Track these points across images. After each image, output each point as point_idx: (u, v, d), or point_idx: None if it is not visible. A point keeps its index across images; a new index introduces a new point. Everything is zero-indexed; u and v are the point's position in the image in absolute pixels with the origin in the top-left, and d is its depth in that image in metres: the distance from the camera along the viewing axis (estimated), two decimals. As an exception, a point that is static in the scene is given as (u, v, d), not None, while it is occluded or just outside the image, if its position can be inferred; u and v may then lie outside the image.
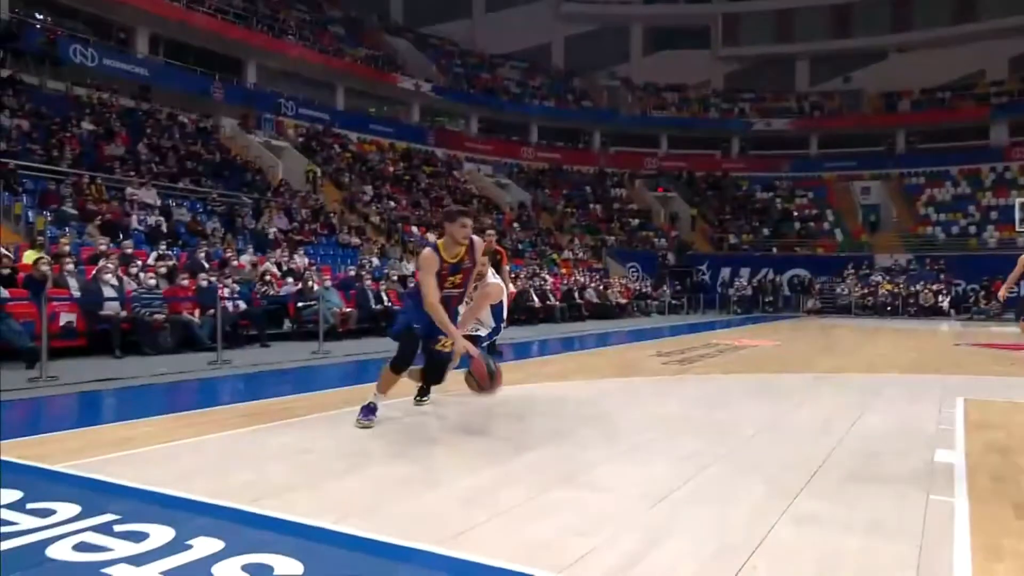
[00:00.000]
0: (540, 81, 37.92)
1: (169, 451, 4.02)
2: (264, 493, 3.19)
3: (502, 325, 5.88)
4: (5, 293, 8.49)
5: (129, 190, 15.23)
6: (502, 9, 39.25)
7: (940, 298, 25.64)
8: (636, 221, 33.61)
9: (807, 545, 2.69)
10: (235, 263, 12.89)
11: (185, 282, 10.77)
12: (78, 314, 9.05)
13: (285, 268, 13.81)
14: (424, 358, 4.92)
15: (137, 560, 2.40)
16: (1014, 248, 22.97)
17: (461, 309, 5.16)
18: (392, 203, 24.35)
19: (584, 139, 37.99)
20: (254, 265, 13.28)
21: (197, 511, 2.91)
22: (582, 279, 22.68)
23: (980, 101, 35.11)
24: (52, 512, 2.84)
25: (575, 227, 31.46)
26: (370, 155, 28.15)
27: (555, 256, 26.51)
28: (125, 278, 10.08)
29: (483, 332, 5.73)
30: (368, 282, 13.61)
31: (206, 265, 11.91)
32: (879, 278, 28.29)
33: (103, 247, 11.29)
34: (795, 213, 34.61)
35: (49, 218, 12.66)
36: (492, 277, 5.65)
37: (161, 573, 2.31)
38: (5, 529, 2.65)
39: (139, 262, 11.18)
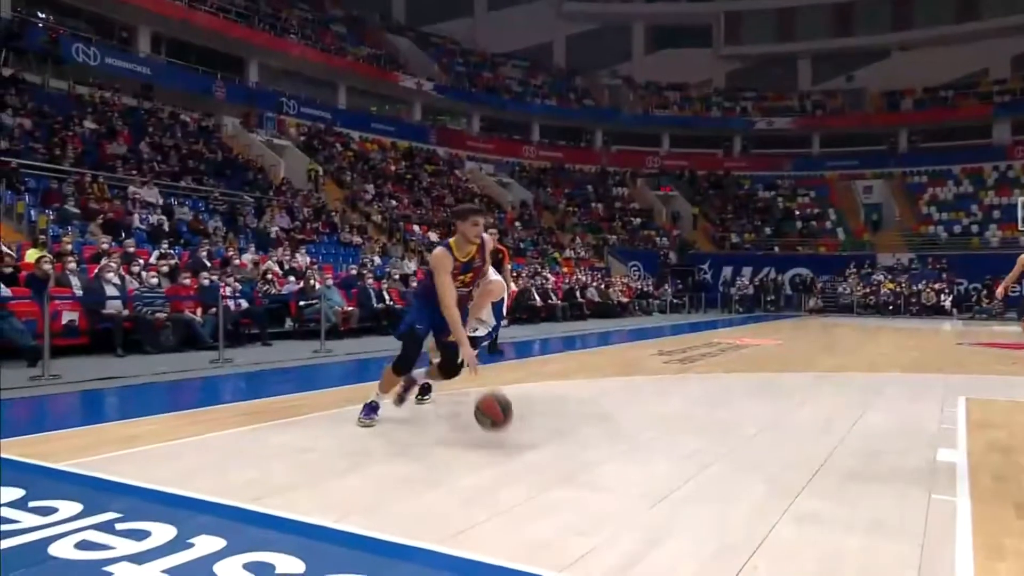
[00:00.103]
0: (542, 80, 37.90)
1: (171, 449, 4.03)
2: (266, 492, 3.19)
3: (502, 323, 5.87)
4: (7, 292, 8.50)
5: (131, 189, 15.24)
6: (504, 8, 39.26)
7: (942, 297, 25.61)
8: (638, 220, 33.60)
9: (808, 544, 2.69)
10: (237, 262, 12.90)
11: (187, 281, 10.78)
12: (80, 313, 9.05)
13: (287, 267, 13.82)
14: (440, 352, 4.87)
15: (139, 558, 2.40)
16: (1016, 247, 22.92)
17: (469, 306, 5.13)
18: (394, 202, 24.36)
19: (586, 138, 37.98)
20: (256, 264, 13.29)
21: (199, 509, 2.92)
22: (584, 278, 22.67)
23: (983, 100, 35.06)
24: (54, 510, 2.85)
25: (577, 226, 31.45)
26: (372, 154, 28.16)
27: (557, 255, 26.50)
28: (127, 277, 10.10)
29: (482, 332, 5.72)
30: (370, 281, 13.61)
31: (208, 264, 11.92)
32: (881, 277, 28.27)
33: (105, 246, 11.31)
34: (797, 212, 34.59)
35: (51, 217, 12.68)
36: (492, 274, 5.64)
37: (163, 571, 2.31)
38: (7, 527, 2.65)
39: (141, 261, 11.19)
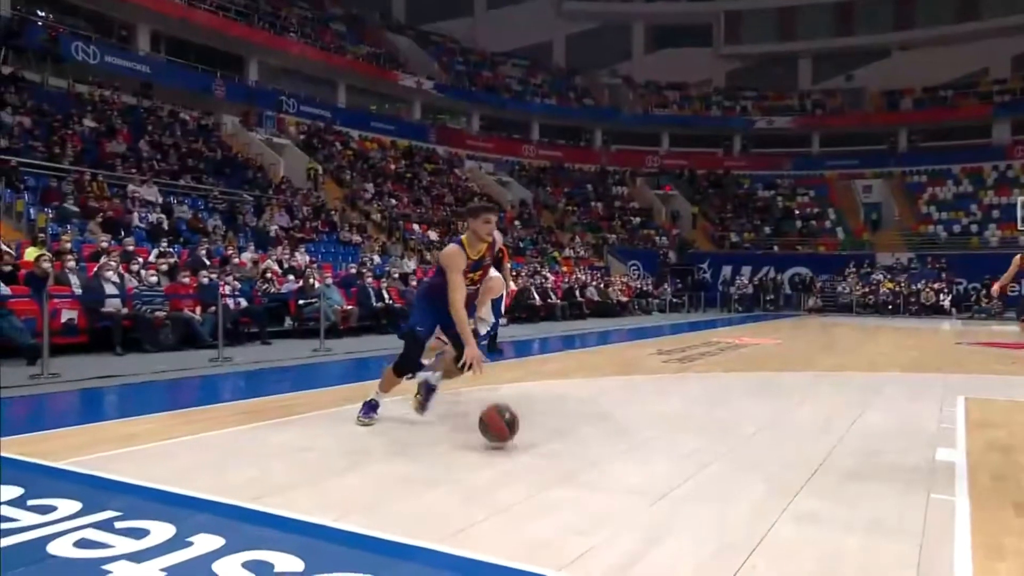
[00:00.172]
0: (542, 79, 37.89)
1: (169, 448, 4.02)
2: (265, 490, 3.19)
3: (500, 321, 5.88)
4: (7, 290, 8.50)
5: (131, 187, 15.24)
6: (504, 7, 39.24)
7: (941, 297, 25.62)
8: (637, 219, 33.59)
9: (807, 544, 2.69)
10: (236, 260, 12.90)
11: (186, 279, 10.78)
12: (79, 311, 9.05)
13: (286, 266, 13.82)
14: (452, 346, 4.77)
15: (138, 557, 2.40)
16: (1016, 247, 22.93)
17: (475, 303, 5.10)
18: (393, 201, 24.35)
19: (585, 137, 37.97)
20: (255, 262, 13.29)
21: (198, 508, 2.92)
22: (583, 277, 22.68)
23: (982, 99, 35.05)
24: (53, 509, 2.84)
25: (576, 225, 31.45)
26: (371, 153, 28.15)
27: (556, 254, 26.50)
28: (126, 275, 10.10)
29: (482, 330, 5.73)
30: (369, 280, 13.61)
31: (207, 262, 11.92)
32: (880, 276, 28.27)
33: (104, 244, 11.30)
34: (797, 211, 34.59)
35: (51, 215, 12.67)
36: (491, 271, 5.64)
37: (162, 570, 2.31)
38: (6, 526, 2.65)
39: (140, 259, 11.20)
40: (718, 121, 37.88)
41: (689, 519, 2.95)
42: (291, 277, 13.08)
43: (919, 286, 26.45)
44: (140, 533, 2.60)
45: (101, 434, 4.40)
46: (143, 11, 22.94)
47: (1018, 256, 9.03)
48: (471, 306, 4.76)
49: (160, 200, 15.51)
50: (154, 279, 10.58)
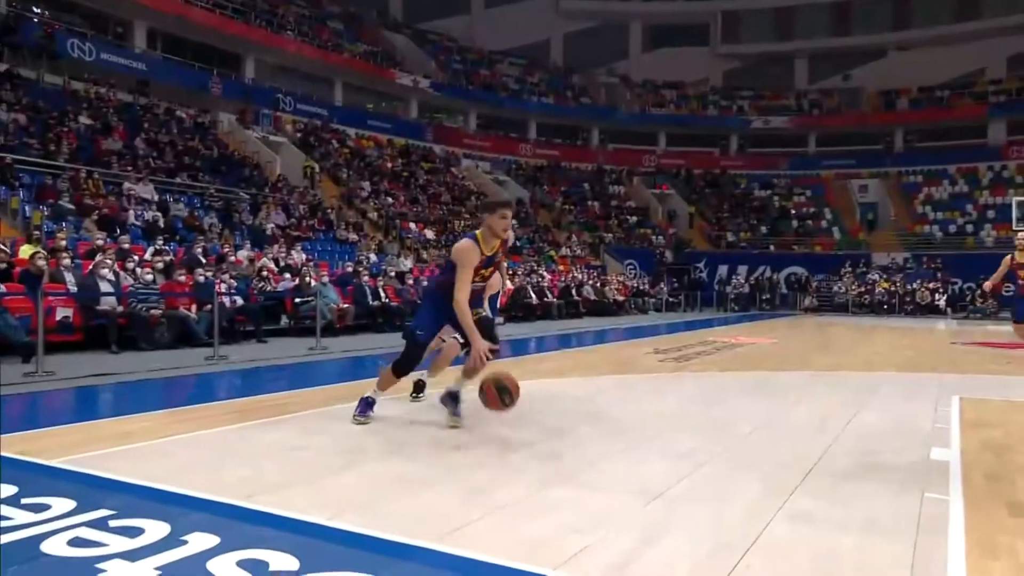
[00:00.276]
0: (539, 78, 37.89)
1: (165, 447, 4.02)
2: (260, 489, 3.19)
3: (497, 319, 5.86)
4: (1, 288, 8.49)
5: (126, 185, 15.20)
6: (501, 5, 39.23)
7: (937, 296, 25.69)
8: (634, 218, 33.63)
9: (802, 543, 2.69)
10: (232, 259, 12.88)
11: (182, 277, 10.77)
12: (74, 309, 9.04)
13: (282, 264, 13.81)
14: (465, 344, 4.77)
15: (132, 555, 2.39)
16: (1011, 247, 22.94)
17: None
18: (390, 199, 24.33)
19: (583, 136, 37.98)
20: (251, 261, 13.28)
21: (193, 507, 2.91)
22: (580, 276, 22.70)
23: (978, 100, 35.16)
24: (47, 507, 2.83)
25: (573, 224, 31.46)
26: (368, 151, 28.12)
27: (553, 253, 26.51)
28: (122, 273, 10.08)
29: None
30: (366, 278, 13.61)
31: (203, 260, 11.90)
32: (876, 276, 28.35)
33: (100, 242, 11.28)
34: (793, 211, 34.66)
35: (46, 212, 12.63)
36: None
37: (156, 568, 2.31)
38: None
39: (136, 257, 11.18)
40: (715, 120, 37.93)
41: (685, 518, 2.95)
42: (287, 275, 13.07)
43: (915, 286, 26.52)
44: (134, 532, 2.59)
45: (96, 432, 4.39)
46: (139, 8, 22.88)
47: (1008, 256, 9.10)
48: (477, 299, 4.66)
49: (156, 198, 15.47)
50: (150, 277, 10.55)
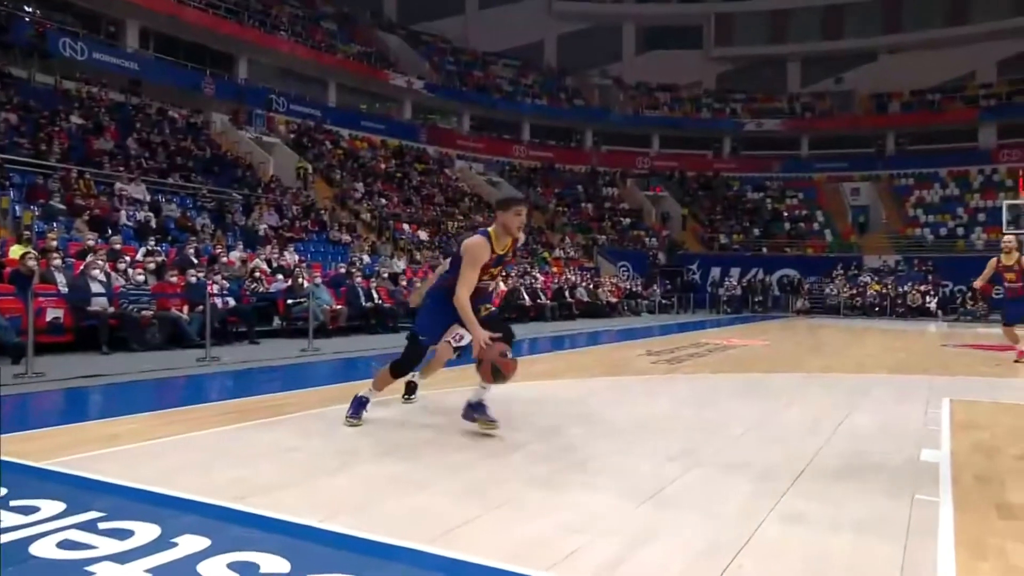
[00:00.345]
0: (532, 79, 37.93)
1: (156, 448, 4.00)
2: (252, 491, 3.18)
3: None
4: (-9, 288, 8.42)
5: (118, 185, 15.13)
6: (495, 6, 39.24)
7: (928, 299, 25.82)
8: (627, 220, 33.69)
9: (794, 544, 2.70)
10: (225, 259, 12.84)
11: (174, 278, 10.71)
12: (65, 310, 8.98)
13: (275, 265, 13.77)
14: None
15: (121, 558, 2.38)
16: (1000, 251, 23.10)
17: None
18: (383, 200, 24.31)
19: (576, 138, 38.04)
20: (244, 262, 13.23)
21: (183, 509, 2.90)
22: (573, 278, 22.71)
23: (969, 103, 35.38)
24: (36, 509, 2.82)
25: (566, 226, 31.49)
26: (361, 152, 28.09)
27: (546, 255, 26.53)
28: (113, 274, 10.03)
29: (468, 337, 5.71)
30: (358, 279, 13.57)
31: (195, 261, 11.85)
32: (868, 279, 28.47)
33: (91, 242, 11.22)
34: (785, 213, 34.81)
35: (37, 213, 12.56)
36: None
37: (146, 571, 2.30)
38: (-12, 526, 2.63)
39: (127, 258, 11.12)
40: (708, 123, 38.05)
41: (677, 519, 2.96)
42: (280, 276, 13.03)
43: (906, 288, 26.65)
44: (124, 534, 2.58)
45: (86, 434, 4.36)
46: (132, 7, 22.80)
47: (994, 259, 9.20)
48: (486, 296, 4.54)
49: (148, 198, 15.41)
50: (141, 278, 10.50)
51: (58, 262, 9.65)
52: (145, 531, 2.61)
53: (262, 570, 2.32)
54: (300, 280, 12.28)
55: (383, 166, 27.68)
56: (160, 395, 6.45)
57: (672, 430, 4.80)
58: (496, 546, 2.59)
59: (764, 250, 32.01)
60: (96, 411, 5.77)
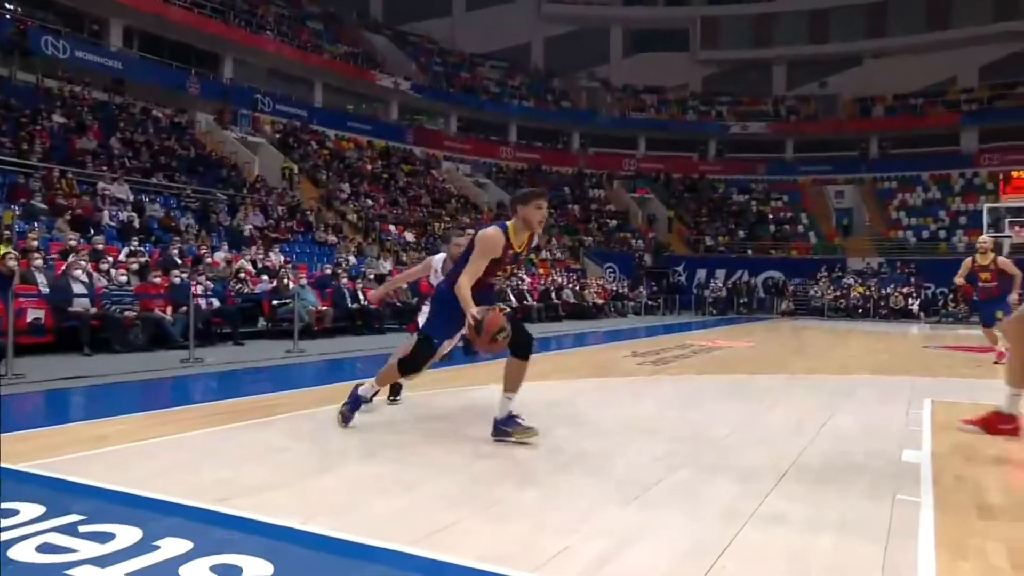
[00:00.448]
0: (520, 81, 37.96)
1: (138, 450, 3.96)
2: (236, 493, 3.15)
3: None
4: (-30, 288, 8.30)
5: (101, 185, 14.98)
6: (482, 8, 39.23)
7: (910, 301, 26.09)
8: (614, 222, 33.79)
9: (776, 545, 2.72)
10: (209, 260, 12.74)
11: (157, 279, 10.63)
12: (46, 310, 8.88)
13: (260, 266, 13.68)
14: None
15: (102, 561, 2.36)
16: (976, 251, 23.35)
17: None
18: (370, 201, 24.23)
19: (563, 140, 38.11)
20: (228, 262, 13.14)
21: (166, 511, 2.87)
22: (559, 279, 22.74)
23: (951, 108, 35.79)
24: (15, 512, 2.78)
25: (553, 227, 31.48)
26: (348, 153, 27.98)
27: (532, 256, 26.54)
28: (95, 274, 9.93)
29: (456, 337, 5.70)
30: (344, 280, 13.52)
31: (179, 262, 11.76)
32: (851, 281, 28.74)
33: (73, 242, 11.10)
34: (770, 216, 35.05)
35: (18, 212, 12.38)
36: None
37: (127, 574, 2.27)
38: (-34, 530, 2.59)
39: (110, 258, 11.02)
40: (694, 125, 38.24)
41: (661, 520, 2.97)
42: (265, 277, 12.95)
43: (889, 290, 26.92)
44: (105, 537, 2.56)
45: (67, 436, 4.31)
46: (116, 6, 22.59)
47: (969, 259, 9.36)
48: (495, 294, 4.37)
49: (131, 198, 15.26)
50: (124, 278, 10.41)
51: (39, 262, 9.55)
52: (127, 534, 2.58)
53: (245, 573, 2.30)
54: (285, 281, 12.21)
55: (369, 167, 27.60)
56: (143, 397, 6.38)
57: (658, 431, 4.82)
58: (482, 547, 2.59)
59: (749, 252, 32.22)
60: (77, 413, 5.72)
